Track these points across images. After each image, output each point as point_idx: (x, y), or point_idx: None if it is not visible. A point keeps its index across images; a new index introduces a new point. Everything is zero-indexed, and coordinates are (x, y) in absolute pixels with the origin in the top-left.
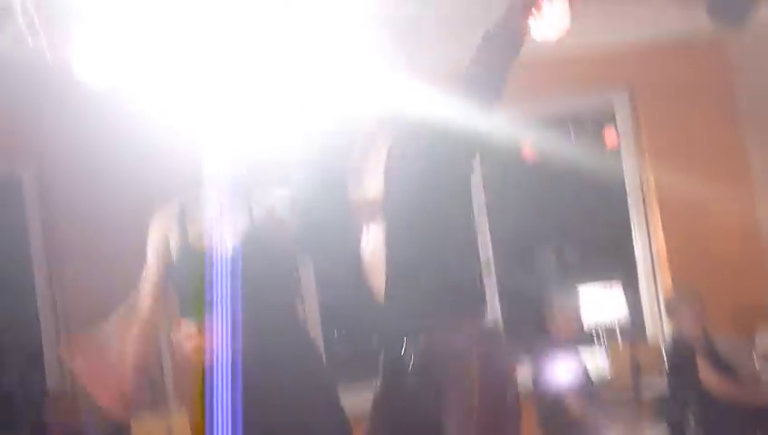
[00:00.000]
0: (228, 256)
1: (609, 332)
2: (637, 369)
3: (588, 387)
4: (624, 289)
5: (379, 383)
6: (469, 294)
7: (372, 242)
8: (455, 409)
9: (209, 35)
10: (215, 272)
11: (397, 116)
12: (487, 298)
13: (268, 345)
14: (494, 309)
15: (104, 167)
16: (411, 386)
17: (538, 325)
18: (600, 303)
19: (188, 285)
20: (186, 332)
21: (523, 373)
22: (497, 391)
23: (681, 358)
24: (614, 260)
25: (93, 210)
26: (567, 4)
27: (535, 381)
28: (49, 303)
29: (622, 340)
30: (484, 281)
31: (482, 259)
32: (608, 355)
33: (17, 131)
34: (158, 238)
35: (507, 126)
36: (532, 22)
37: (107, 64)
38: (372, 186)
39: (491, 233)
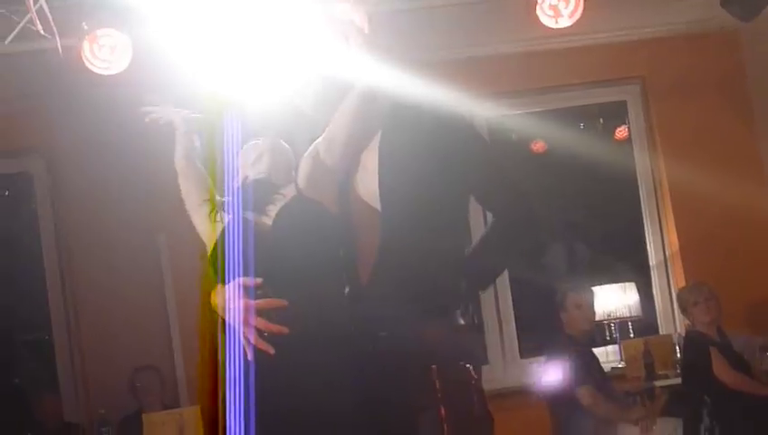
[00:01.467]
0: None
1: (622, 326)
2: (650, 362)
3: (601, 380)
4: (637, 284)
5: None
6: (448, 294)
7: (368, 228)
8: (419, 415)
9: (209, 22)
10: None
11: (391, 102)
12: (498, 291)
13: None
14: (506, 305)
15: (114, 159)
16: (373, 379)
17: (551, 321)
18: (612, 297)
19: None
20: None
21: (539, 368)
22: (460, 399)
23: (694, 352)
24: (626, 256)
25: (104, 204)
26: None
27: (549, 376)
28: (60, 297)
29: (635, 334)
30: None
31: None
32: (621, 349)
33: (27, 127)
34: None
35: (516, 118)
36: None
37: (114, 51)
38: (369, 171)
39: None
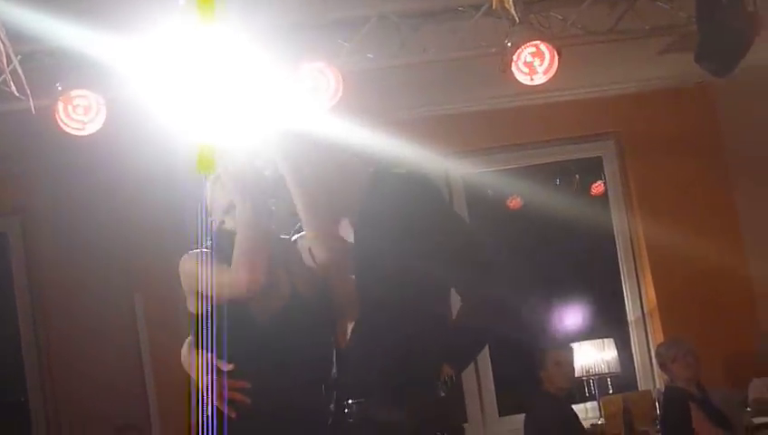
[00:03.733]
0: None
1: (601, 382)
2: (629, 419)
3: None
4: (615, 340)
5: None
6: (427, 365)
7: (345, 295)
8: None
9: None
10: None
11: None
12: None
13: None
14: (484, 363)
15: (89, 219)
16: None
17: (530, 378)
18: (591, 354)
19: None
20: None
21: (518, 425)
22: None
23: (674, 408)
24: (604, 311)
25: (79, 265)
26: (555, 52)
27: (529, 433)
28: (35, 359)
29: (614, 390)
30: None
31: None
32: (600, 406)
33: (0, 188)
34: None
35: (492, 175)
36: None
37: (89, 112)
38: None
39: None
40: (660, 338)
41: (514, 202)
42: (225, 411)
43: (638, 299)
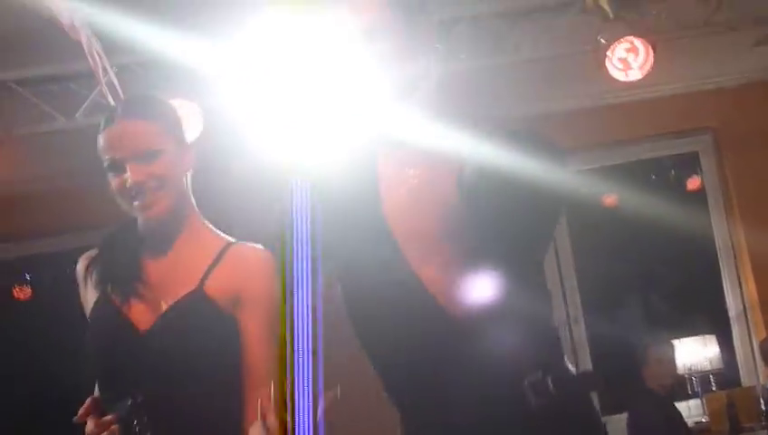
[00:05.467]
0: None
1: (704, 379)
2: (734, 415)
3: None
4: (717, 336)
5: None
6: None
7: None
8: None
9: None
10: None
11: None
12: (577, 348)
13: None
14: (584, 363)
15: None
16: None
17: (631, 376)
18: (692, 351)
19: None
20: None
21: (620, 424)
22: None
23: None
24: (705, 308)
25: None
26: (650, 47)
27: (632, 432)
28: None
29: (717, 387)
30: (574, 331)
31: (570, 310)
32: (703, 402)
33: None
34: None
35: (587, 174)
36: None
37: (186, 122)
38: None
39: (578, 282)
40: (763, 333)
41: (610, 199)
42: None
43: (738, 294)
